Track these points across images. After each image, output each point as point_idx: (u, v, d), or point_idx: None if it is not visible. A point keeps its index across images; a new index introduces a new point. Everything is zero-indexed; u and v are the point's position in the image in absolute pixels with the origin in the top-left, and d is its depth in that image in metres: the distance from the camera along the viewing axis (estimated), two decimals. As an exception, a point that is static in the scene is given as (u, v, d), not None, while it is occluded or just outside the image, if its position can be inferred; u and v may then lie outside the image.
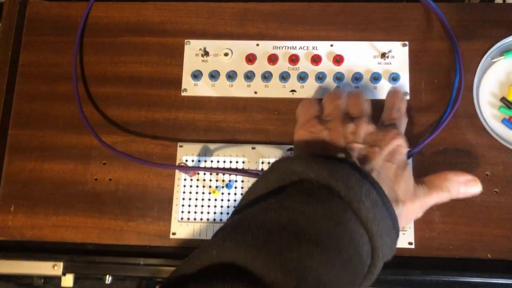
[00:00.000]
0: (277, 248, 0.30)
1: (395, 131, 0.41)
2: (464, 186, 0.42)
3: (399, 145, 0.40)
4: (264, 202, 0.34)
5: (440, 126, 0.48)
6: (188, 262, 0.31)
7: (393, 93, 0.47)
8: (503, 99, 0.49)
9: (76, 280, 0.51)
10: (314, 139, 0.41)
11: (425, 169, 0.49)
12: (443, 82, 0.51)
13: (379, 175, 0.38)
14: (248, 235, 0.30)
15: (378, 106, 0.50)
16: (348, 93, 0.45)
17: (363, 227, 0.34)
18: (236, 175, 0.49)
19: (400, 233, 0.47)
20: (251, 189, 0.37)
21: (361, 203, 0.33)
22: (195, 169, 0.48)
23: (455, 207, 0.48)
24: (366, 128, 0.41)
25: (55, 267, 0.49)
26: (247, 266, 0.29)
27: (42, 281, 0.51)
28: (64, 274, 0.49)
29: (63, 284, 0.51)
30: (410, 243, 0.47)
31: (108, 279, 0.50)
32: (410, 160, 0.49)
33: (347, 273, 0.32)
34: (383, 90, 0.51)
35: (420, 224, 0.47)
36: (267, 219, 0.32)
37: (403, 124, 0.44)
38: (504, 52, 0.50)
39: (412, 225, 0.47)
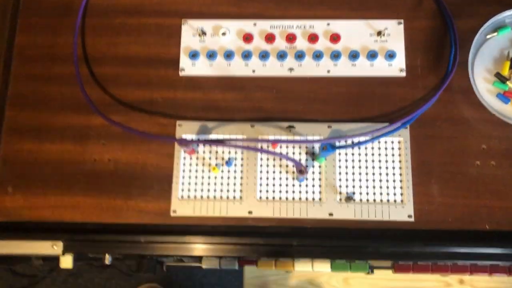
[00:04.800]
0: None
1: None
2: None
3: None
4: None
5: (434, 97, 0.48)
6: None
7: None
8: (498, 74, 0.50)
9: (75, 263, 0.51)
10: None
11: (422, 143, 0.49)
12: (438, 58, 0.51)
13: None
14: None
15: (375, 82, 0.51)
16: None
17: None
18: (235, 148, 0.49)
19: (400, 206, 0.48)
20: None
21: None
22: (192, 143, 0.48)
23: (453, 181, 0.48)
24: None
25: (54, 247, 0.48)
26: None
27: (41, 261, 0.50)
28: (63, 253, 0.48)
29: (62, 265, 0.50)
30: (409, 216, 0.47)
31: (108, 259, 0.49)
32: (407, 132, 0.49)
33: None
34: (379, 67, 0.51)
35: (420, 198, 0.48)
36: None
37: None
38: (497, 28, 0.51)
39: (411, 199, 0.48)
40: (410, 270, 0.48)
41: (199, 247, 0.48)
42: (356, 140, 0.48)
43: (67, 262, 0.50)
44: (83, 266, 1.43)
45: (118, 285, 1.43)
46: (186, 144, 0.45)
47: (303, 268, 0.49)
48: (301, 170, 0.43)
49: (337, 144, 0.44)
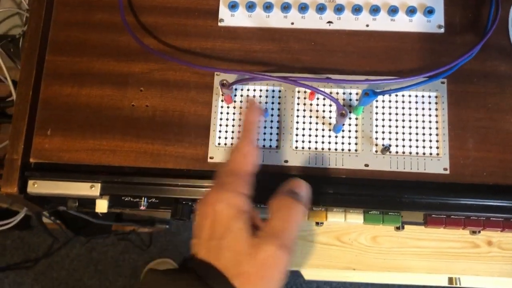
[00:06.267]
0: None
1: (214, 192, 0.37)
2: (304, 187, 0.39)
3: (218, 207, 0.36)
4: None
5: (473, 50, 0.48)
6: None
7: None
8: (537, 33, 0.50)
9: (109, 209, 0.51)
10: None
11: (459, 99, 0.49)
12: (477, 16, 0.51)
13: (205, 263, 0.36)
14: None
15: (413, 38, 0.51)
16: None
17: None
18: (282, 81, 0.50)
19: (435, 159, 0.48)
20: None
21: None
22: (233, 84, 0.48)
23: (489, 136, 0.49)
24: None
25: (93, 188, 0.49)
26: None
27: (76, 204, 0.51)
28: (101, 195, 0.49)
29: (97, 210, 0.51)
30: (445, 169, 0.48)
31: (144, 203, 0.50)
32: (445, 87, 0.49)
33: None
34: (418, 23, 0.52)
35: (455, 152, 0.48)
36: None
37: (236, 165, 0.39)
38: (538, -13, 0.51)
39: (447, 152, 0.48)
40: (442, 224, 0.48)
41: (235, 192, 0.48)
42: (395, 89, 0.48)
43: (102, 206, 0.50)
44: (97, 239, 1.44)
45: (132, 259, 1.44)
46: (227, 86, 0.46)
47: (335, 219, 0.50)
48: (342, 113, 0.44)
49: (379, 90, 0.45)
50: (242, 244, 0.35)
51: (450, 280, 0.62)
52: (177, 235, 1.44)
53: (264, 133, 0.50)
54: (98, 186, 0.49)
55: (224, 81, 0.45)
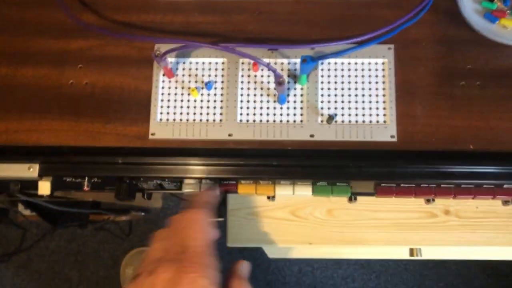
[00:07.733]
0: None
1: (200, 269, 0.39)
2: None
3: (203, 282, 0.38)
4: None
5: (419, 14, 0.47)
6: None
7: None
8: (485, -7, 0.49)
9: (53, 191, 0.50)
10: None
11: (407, 65, 0.48)
12: (424, -22, 0.50)
13: None
14: None
15: (358, 4, 0.50)
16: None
17: None
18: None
19: (382, 126, 0.47)
20: None
21: None
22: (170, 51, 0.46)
23: (437, 102, 0.47)
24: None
25: (31, 169, 0.47)
26: None
27: (19, 187, 0.49)
28: (40, 176, 0.47)
29: (40, 192, 0.49)
30: (392, 136, 0.46)
31: (87, 184, 0.49)
32: (392, 53, 0.48)
33: None
34: (364, -13, 0.50)
35: (403, 119, 0.47)
36: None
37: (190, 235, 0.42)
38: None
39: (394, 119, 0.47)
40: (393, 193, 0.47)
41: (178, 168, 0.47)
42: (339, 55, 0.47)
43: (45, 188, 0.49)
44: (76, 229, 1.43)
45: (111, 249, 1.43)
46: (160, 56, 0.44)
47: (284, 192, 0.49)
48: (280, 82, 0.42)
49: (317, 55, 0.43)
50: None
51: (411, 251, 0.61)
52: (157, 222, 1.42)
53: (208, 107, 0.48)
54: (36, 167, 0.47)
55: (157, 52, 0.44)
